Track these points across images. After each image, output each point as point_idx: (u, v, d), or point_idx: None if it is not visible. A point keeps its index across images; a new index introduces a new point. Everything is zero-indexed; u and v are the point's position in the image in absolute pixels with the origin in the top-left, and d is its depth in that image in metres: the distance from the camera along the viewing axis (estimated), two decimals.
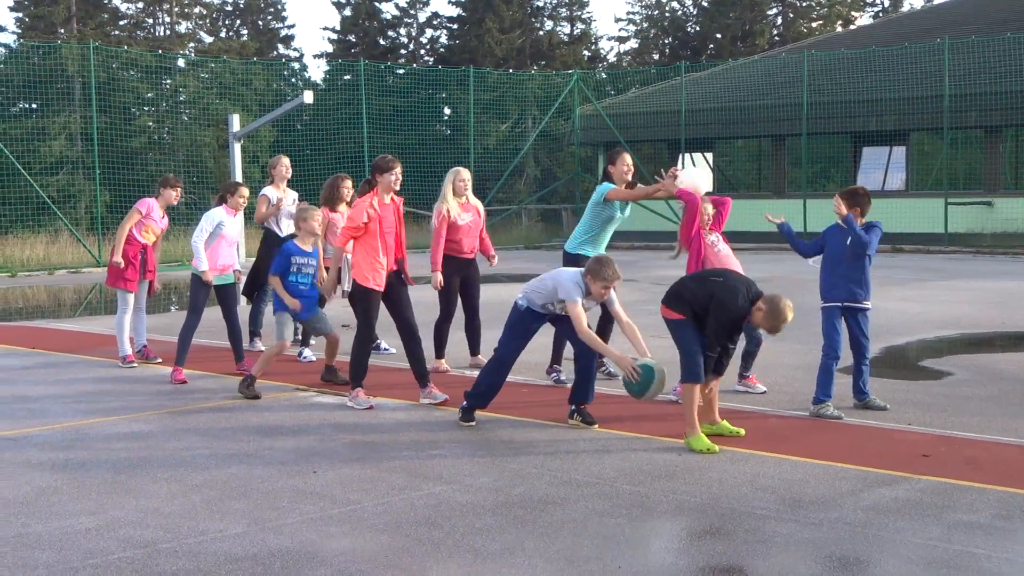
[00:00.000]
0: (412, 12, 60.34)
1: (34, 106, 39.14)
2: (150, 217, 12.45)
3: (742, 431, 8.63)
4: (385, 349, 12.96)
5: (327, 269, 11.07)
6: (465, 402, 9.23)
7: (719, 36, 61.09)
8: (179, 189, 12.68)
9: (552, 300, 8.91)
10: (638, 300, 18.43)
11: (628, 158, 10.82)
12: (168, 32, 55.15)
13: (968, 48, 32.30)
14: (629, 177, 10.82)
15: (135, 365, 12.36)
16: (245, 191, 11.96)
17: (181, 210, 35.02)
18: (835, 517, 6.57)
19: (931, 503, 6.82)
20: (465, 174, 11.75)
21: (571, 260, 10.65)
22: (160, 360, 12.52)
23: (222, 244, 11.75)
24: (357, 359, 10.04)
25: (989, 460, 7.91)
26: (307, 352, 12.64)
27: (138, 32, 54.57)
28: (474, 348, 11.96)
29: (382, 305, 10.19)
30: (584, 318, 8.76)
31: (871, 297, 9.54)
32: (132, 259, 12.35)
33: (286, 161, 13.49)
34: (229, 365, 11.96)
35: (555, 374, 11.05)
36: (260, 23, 63.01)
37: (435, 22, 60.72)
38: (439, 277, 11.55)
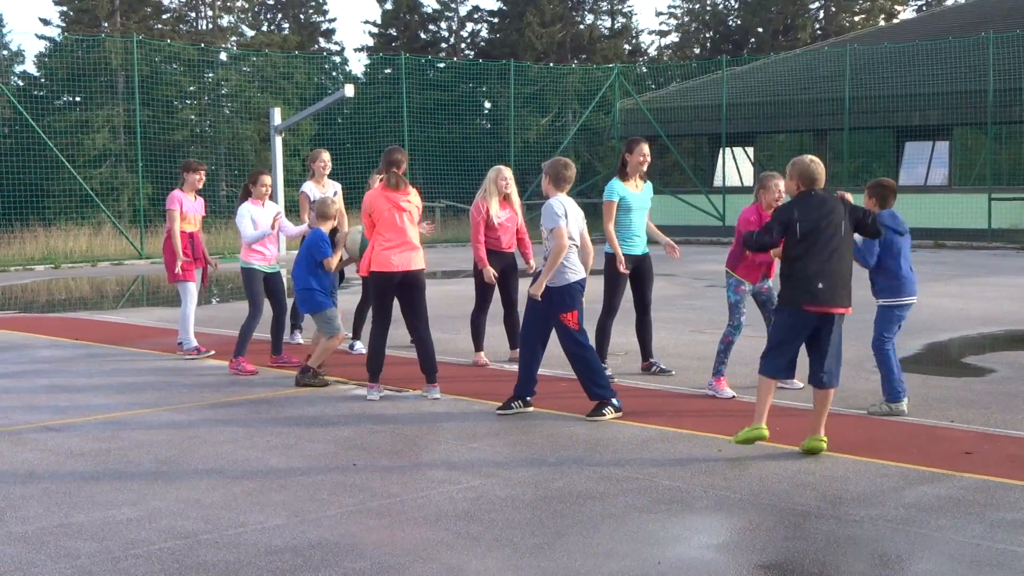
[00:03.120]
0: (453, 6, 60.36)
1: (78, 99, 39.46)
2: (184, 208, 12.54)
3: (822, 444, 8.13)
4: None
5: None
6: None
7: (760, 30, 60.78)
8: (201, 171, 12.75)
9: (547, 241, 9.23)
10: (677, 295, 18.39)
11: (646, 148, 10.89)
12: (210, 26, 55.40)
13: (1013, 42, 31.95)
14: (644, 168, 10.90)
15: (208, 352, 12.46)
16: (266, 179, 12.04)
17: (223, 203, 35.27)
18: (876, 514, 6.53)
19: (974, 501, 6.77)
20: (507, 173, 11.77)
21: (608, 260, 10.76)
22: (213, 352, 12.53)
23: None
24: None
25: None
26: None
27: (181, 26, 54.82)
28: (513, 341, 11.95)
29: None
30: (565, 235, 9.14)
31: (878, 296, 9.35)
32: (183, 250, 12.44)
33: (326, 156, 13.43)
34: (268, 357, 11.99)
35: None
36: (301, 17, 63.19)
37: (476, 16, 60.74)
38: (491, 271, 11.58)
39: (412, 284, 10.11)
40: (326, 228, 11.15)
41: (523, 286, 10.31)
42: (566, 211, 9.27)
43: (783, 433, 8.51)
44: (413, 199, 10.23)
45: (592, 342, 9.66)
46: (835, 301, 7.88)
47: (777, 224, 7.99)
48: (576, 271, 9.28)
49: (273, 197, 12.97)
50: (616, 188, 10.82)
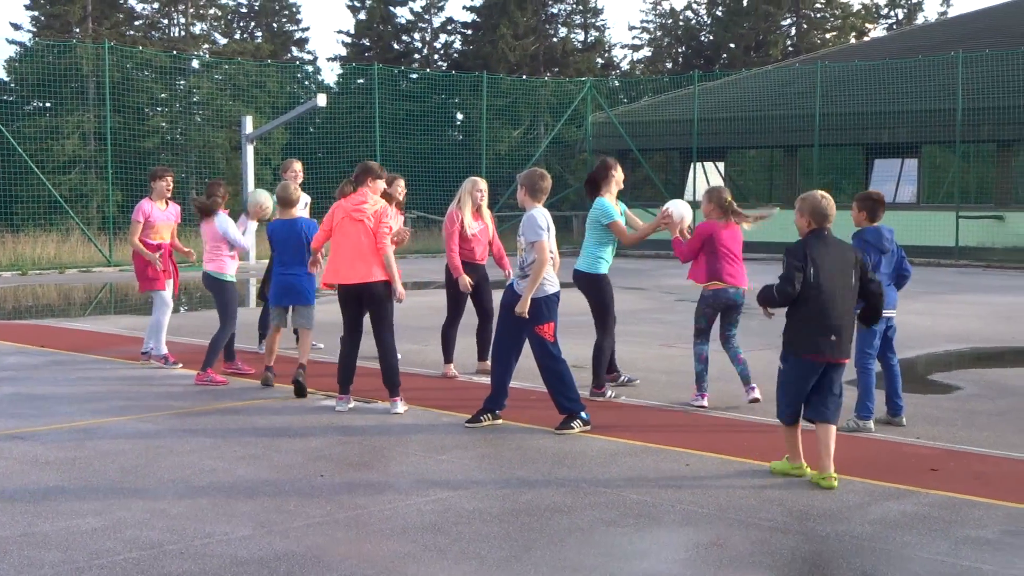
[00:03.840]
0: (426, 17, 60.39)
1: (48, 105, 39.21)
2: (150, 218, 12.46)
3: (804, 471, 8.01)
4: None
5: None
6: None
7: (732, 46, 61.09)
8: (168, 177, 12.65)
9: (525, 253, 9.27)
10: (646, 308, 18.44)
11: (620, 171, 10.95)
12: (183, 33, 55.24)
13: (982, 62, 32.22)
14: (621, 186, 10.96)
15: (176, 363, 12.39)
16: (214, 189, 11.96)
17: (192, 211, 35.15)
18: (843, 530, 6.55)
19: (939, 518, 6.80)
20: (482, 185, 11.80)
21: (591, 280, 10.71)
22: (181, 365, 12.42)
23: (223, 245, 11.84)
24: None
25: (998, 475, 7.88)
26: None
27: (153, 32, 54.67)
28: (483, 353, 11.94)
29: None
30: (547, 249, 9.20)
31: None
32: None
33: (297, 166, 13.41)
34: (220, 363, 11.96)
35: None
36: (275, 25, 63.09)
37: (449, 27, 60.79)
38: (466, 279, 11.58)
39: (371, 296, 10.03)
40: (291, 215, 11.25)
41: (496, 297, 10.28)
42: (548, 225, 9.30)
43: (751, 449, 8.55)
44: (368, 208, 10.02)
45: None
46: (846, 353, 7.71)
47: (795, 270, 7.56)
48: (553, 283, 9.30)
49: (244, 206, 12.93)
50: (611, 206, 10.77)
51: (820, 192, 7.87)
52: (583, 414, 9.21)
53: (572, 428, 9.11)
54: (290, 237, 11.09)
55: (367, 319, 10.17)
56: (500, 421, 9.44)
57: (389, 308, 10.12)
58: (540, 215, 9.31)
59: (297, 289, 11.12)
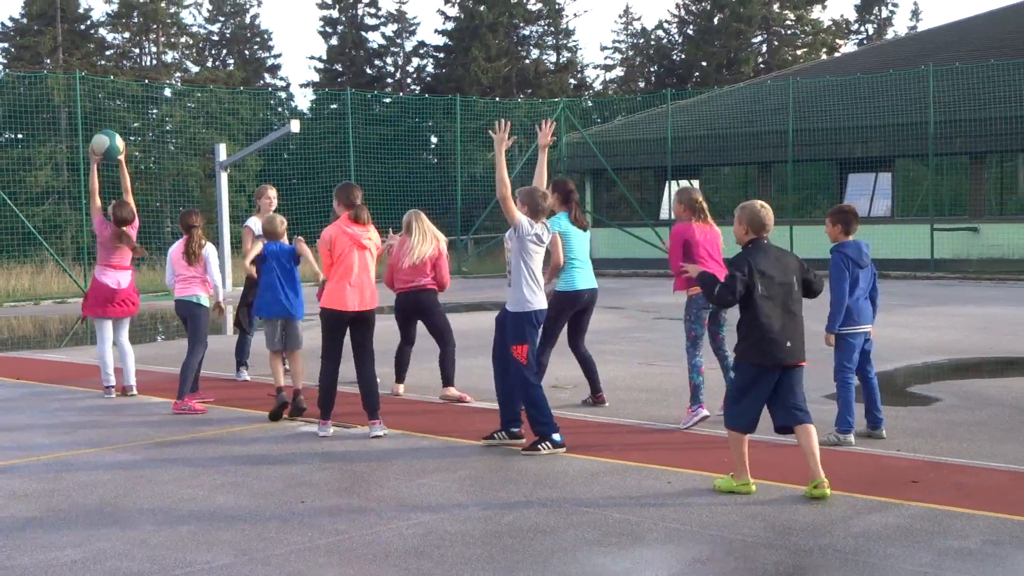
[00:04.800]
0: (399, 41, 60.55)
1: (20, 136, 39.09)
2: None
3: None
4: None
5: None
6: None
7: (704, 64, 61.41)
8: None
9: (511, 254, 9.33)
10: (626, 327, 18.43)
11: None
12: (154, 62, 55.23)
13: (952, 75, 32.44)
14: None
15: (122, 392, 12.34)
16: (194, 219, 11.92)
17: (167, 239, 34.98)
18: (825, 544, 6.55)
19: (921, 529, 6.81)
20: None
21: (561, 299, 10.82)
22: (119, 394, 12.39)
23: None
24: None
25: (978, 485, 7.90)
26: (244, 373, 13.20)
27: (124, 62, 54.65)
28: (446, 379, 11.85)
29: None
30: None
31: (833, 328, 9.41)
32: (104, 290, 12.27)
33: (272, 192, 13.37)
34: (216, 394, 11.90)
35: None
36: (247, 52, 63.14)
37: (422, 51, 61.00)
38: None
39: (364, 321, 10.07)
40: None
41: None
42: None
43: (732, 465, 8.53)
44: (373, 236, 10.22)
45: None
46: (800, 356, 7.77)
47: (738, 282, 7.66)
48: (534, 300, 9.25)
49: (219, 233, 12.90)
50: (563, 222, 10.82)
51: (759, 202, 8.00)
52: (555, 436, 9.13)
53: (539, 450, 9.05)
54: (281, 254, 11.12)
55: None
56: (523, 440, 9.30)
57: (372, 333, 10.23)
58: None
59: (291, 304, 11.10)
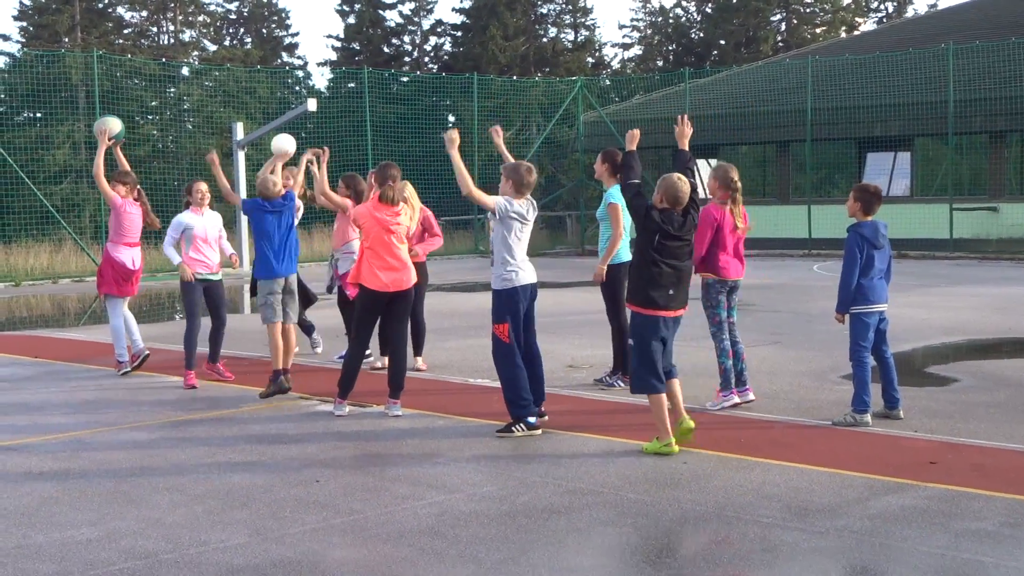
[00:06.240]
0: (416, 20, 60.40)
1: (38, 115, 39.15)
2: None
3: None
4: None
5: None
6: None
7: (723, 42, 61.12)
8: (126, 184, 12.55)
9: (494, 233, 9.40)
10: None
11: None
12: (172, 41, 55.24)
13: (973, 53, 32.21)
14: None
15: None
16: (201, 186, 12.01)
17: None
18: (841, 525, 6.52)
19: (938, 511, 6.77)
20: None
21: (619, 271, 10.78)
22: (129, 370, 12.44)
23: (200, 244, 11.81)
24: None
25: (996, 467, 7.85)
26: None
27: (142, 41, 54.64)
28: (416, 349, 11.98)
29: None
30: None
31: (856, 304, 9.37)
32: (123, 268, 12.32)
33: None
34: (234, 374, 11.92)
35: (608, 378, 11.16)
36: (264, 31, 63.08)
37: (439, 30, 60.81)
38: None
39: (401, 299, 10.08)
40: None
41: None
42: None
43: (747, 445, 8.51)
44: (403, 218, 10.23)
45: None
46: (683, 304, 8.56)
47: (643, 217, 8.46)
48: (520, 276, 9.17)
49: (236, 212, 12.90)
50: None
51: (677, 175, 8.66)
52: (530, 419, 9.03)
53: (512, 432, 8.98)
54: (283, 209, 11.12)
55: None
56: (539, 431, 9.08)
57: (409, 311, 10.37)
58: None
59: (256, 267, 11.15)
